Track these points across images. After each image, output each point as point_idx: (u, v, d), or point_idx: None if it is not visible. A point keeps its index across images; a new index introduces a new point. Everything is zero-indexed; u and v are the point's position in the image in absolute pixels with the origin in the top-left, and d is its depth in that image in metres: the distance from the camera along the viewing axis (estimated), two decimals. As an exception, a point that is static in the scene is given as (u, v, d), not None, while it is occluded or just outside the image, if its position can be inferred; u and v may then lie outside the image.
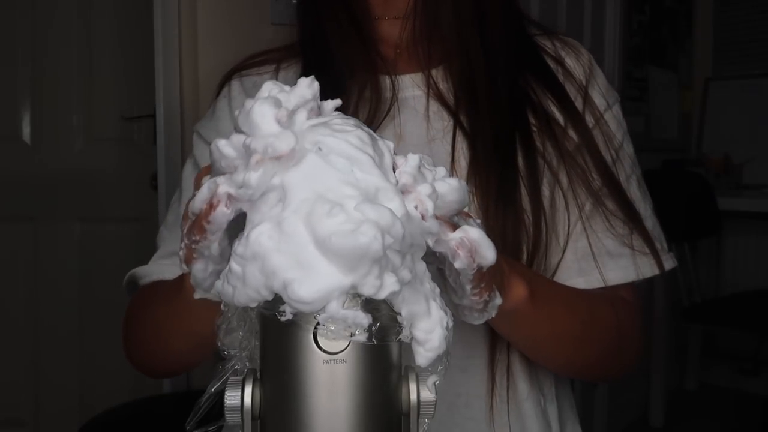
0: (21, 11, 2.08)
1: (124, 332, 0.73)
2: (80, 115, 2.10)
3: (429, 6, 0.72)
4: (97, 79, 2.08)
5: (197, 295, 0.42)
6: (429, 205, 0.36)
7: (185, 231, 0.38)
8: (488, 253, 0.39)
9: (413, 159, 0.38)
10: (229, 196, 0.35)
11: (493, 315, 0.46)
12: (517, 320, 0.55)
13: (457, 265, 0.39)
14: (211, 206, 0.36)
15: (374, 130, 0.40)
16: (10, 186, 2.11)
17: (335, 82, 0.70)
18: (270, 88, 0.39)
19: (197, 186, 0.39)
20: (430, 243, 0.38)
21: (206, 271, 0.39)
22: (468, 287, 0.42)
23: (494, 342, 0.67)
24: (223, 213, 0.35)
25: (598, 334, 0.66)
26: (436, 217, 0.38)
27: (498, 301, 0.46)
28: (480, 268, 0.40)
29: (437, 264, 0.43)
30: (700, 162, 3.12)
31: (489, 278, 0.43)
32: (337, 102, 0.41)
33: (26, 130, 2.12)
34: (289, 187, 0.34)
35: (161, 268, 0.73)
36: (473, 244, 0.39)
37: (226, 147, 0.36)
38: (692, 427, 2.86)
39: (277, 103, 0.36)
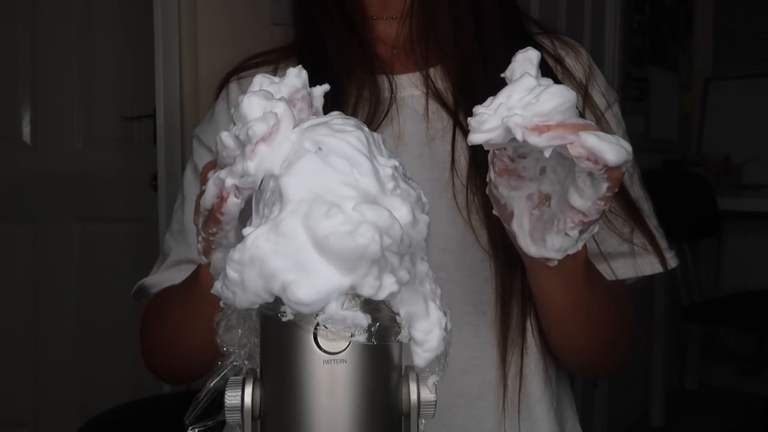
0: (21, 11, 2.08)
1: (141, 340, 0.73)
2: (80, 115, 2.10)
3: (425, 5, 0.72)
4: (97, 79, 2.08)
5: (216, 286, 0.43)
6: (518, 133, 0.38)
7: (200, 226, 0.40)
8: (608, 156, 0.38)
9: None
10: (236, 187, 0.37)
11: (580, 247, 0.47)
12: (569, 280, 0.55)
13: (582, 166, 0.39)
14: (222, 199, 0.38)
15: (373, 131, 0.40)
16: (10, 186, 2.11)
17: (332, 83, 0.70)
18: (261, 81, 0.40)
19: (203, 180, 0.41)
20: (547, 154, 0.39)
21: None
22: (605, 185, 0.41)
23: (506, 344, 0.68)
24: (234, 203, 0.38)
25: (616, 314, 0.67)
26: (550, 128, 0.38)
27: (596, 229, 0.46)
28: (607, 168, 0.40)
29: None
30: (700, 162, 3.12)
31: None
32: (326, 87, 0.43)
33: (26, 130, 2.12)
34: (286, 188, 0.34)
35: (171, 276, 0.73)
36: (591, 149, 0.38)
37: (228, 138, 0.37)
38: (692, 427, 2.86)
39: (268, 96, 0.37)
